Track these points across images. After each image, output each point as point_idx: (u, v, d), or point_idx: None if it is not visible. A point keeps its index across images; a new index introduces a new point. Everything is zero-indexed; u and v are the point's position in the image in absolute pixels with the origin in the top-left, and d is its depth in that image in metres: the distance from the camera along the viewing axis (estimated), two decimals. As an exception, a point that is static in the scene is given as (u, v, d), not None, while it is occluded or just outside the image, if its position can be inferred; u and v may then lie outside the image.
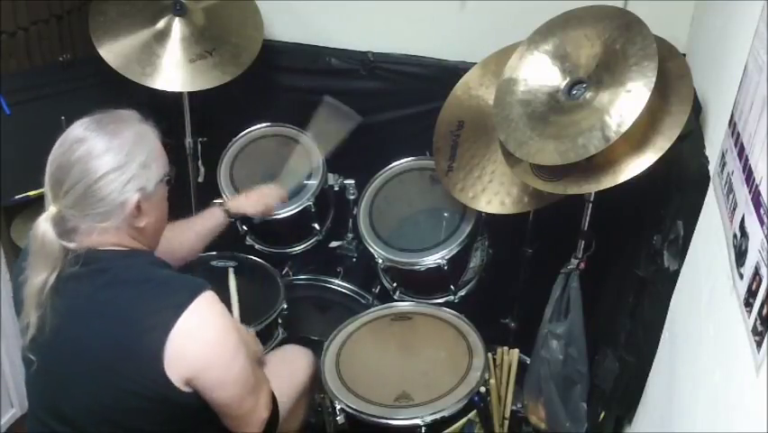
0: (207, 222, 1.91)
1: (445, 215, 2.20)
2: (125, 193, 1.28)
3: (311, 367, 1.84)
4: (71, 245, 1.27)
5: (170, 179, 1.40)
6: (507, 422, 2.16)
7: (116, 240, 1.32)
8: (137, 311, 1.27)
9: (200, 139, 2.41)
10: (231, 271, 2.11)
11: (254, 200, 2.01)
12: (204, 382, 1.29)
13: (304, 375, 1.80)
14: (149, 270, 1.34)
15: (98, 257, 1.29)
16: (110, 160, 1.27)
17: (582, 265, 1.99)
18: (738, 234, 1.07)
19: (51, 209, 1.26)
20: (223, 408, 1.35)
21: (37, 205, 2.18)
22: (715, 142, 1.43)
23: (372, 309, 2.14)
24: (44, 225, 1.25)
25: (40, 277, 1.26)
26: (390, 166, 2.33)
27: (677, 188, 1.60)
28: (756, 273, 0.94)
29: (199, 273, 2.14)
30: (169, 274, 1.36)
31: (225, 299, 1.37)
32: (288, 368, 1.74)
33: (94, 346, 1.28)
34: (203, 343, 1.28)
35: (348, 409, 1.77)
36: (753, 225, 1.00)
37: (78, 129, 1.30)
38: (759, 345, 0.89)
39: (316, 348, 1.98)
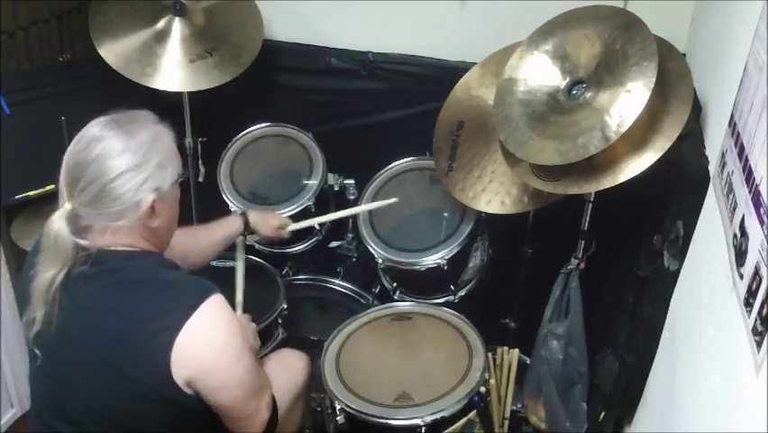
0: (227, 230, 1.93)
1: (445, 215, 2.20)
2: (141, 193, 1.29)
3: (307, 370, 1.84)
4: (84, 242, 1.28)
5: (184, 180, 1.42)
6: (507, 422, 2.16)
7: (128, 240, 1.33)
8: (146, 313, 1.28)
9: (200, 139, 2.41)
10: (240, 243, 2.03)
11: (273, 225, 2.05)
12: (207, 385, 1.29)
13: (300, 378, 1.80)
14: (158, 271, 1.35)
15: (108, 258, 1.30)
16: (127, 159, 1.27)
17: (582, 265, 1.98)
18: (738, 234, 1.07)
19: (66, 207, 1.27)
20: (226, 410, 1.35)
21: (37, 205, 2.19)
22: (715, 142, 1.43)
23: (372, 309, 2.14)
24: (58, 222, 1.26)
25: (49, 273, 1.26)
26: (390, 166, 2.32)
27: (677, 188, 1.60)
28: (756, 273, 0.94)
29: (200, 273, 2.15)
30: (178, 276, 1.37)
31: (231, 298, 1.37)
32: (285, 372, 1.74)
33: (100, 346, 1.28)
34: (209, 346, 1.29)
35: (348, 409, 1.77)
36: (753, 225, 1.00)
37: (95, 128, 1.30)
38: (759, 345, 0.89)
39: (316, 348, 1.98)
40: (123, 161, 1.27)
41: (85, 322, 1.29)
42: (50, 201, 2.17)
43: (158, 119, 1.38)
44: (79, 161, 1.27)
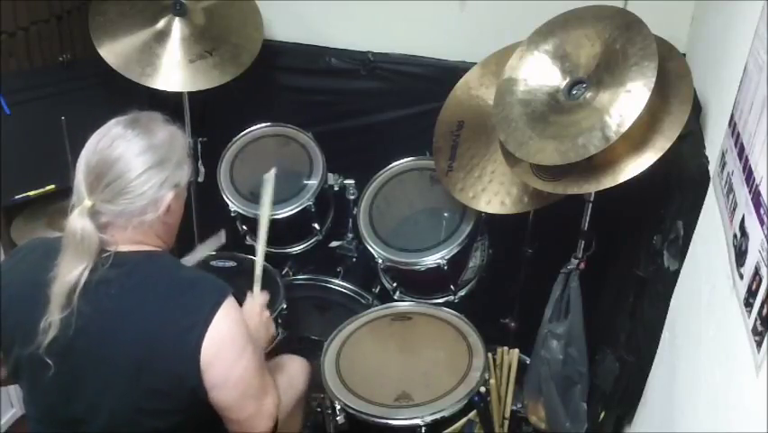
0: None
1: (445, 215, 2.20)
2: (162, 190, 1.32)
3: (306, 375, 1.84)
4: (106, 237, 1.30)
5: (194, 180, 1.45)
6: (507, 422, 2.16)
7: (145, 238, 1.35)
8: (176, 310, 1.30)
9: (200, 139, 2.41)
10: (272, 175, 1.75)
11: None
12: (207, 378, 1.30)
13: (300, 383, 1.80)
14: (177, 270, 1.38)
15: (127, 260, 1.31)
16: (150, 157, 1.31)
17: (582, 265, 1.99)
18: (738, 234, 1.07)
19: (86, 203, 1.28)
20: (224, 411, 1.36)
21: (37, 205, 2.19)
22: (715, 142, 1.43)
23: (372, 309, 2.14)
24: (81, 219, 1.26)
25: (74, 273, 1.26)
26: (390, 166, 2.32)
27: (677, 188, 1.60)
28: (756, 273, 0.94)
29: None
30: (196, 274, 1.40)
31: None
32: (286, 377, 1.75)
33: (126, 346, 1.29)
34: (221, 342, 1.31)
35: (348, 410, 1.78)
36: (753, 225, 1.00)
37: (117, 127, 1.33)
38: (759, 345, 0.89)
39: (316, 348, 1.98)
40: (147, 159, 1.30)
41: (108, 324, 1.29)
42: (50, 201, 2.20)
43: (169, 119, 1.41)
44: (103, 158, 1.29)
